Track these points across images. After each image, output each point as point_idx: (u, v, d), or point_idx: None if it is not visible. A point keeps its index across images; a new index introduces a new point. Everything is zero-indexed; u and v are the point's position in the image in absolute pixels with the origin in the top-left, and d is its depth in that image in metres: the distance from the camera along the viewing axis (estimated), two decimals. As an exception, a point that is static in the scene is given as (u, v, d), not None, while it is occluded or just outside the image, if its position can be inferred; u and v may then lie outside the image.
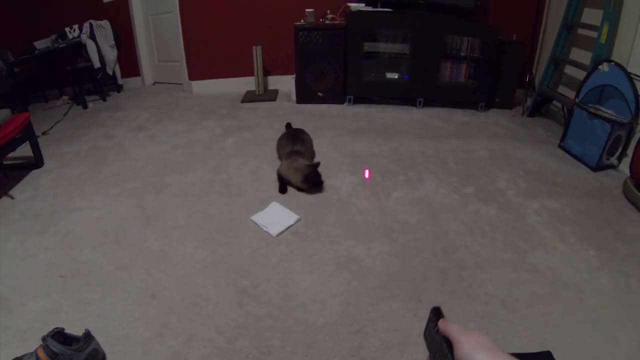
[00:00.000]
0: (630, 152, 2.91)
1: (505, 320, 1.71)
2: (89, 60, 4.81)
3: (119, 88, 5.39)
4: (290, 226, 2.34)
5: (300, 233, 2.30)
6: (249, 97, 4.73)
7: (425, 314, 1.72)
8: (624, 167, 2.97)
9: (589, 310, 1.76)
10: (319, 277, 1.97)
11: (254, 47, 4.52)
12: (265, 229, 2.32)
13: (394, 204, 2.56)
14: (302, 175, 2.67)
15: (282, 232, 2.29)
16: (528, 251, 2.13)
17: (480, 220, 2.40)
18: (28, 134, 3.11)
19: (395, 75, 4.38)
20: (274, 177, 2.87)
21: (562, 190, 2.72)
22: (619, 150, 2.97)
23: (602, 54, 3.14)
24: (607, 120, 2.88)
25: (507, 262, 2.05)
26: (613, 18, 3.05)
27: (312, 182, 2.69)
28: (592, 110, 3.02)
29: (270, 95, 4.75)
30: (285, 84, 4.78)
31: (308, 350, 1.59)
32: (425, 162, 3.09)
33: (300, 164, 2.74)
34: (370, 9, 4.14)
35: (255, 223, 2.38)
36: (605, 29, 3.09)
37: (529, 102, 4.15)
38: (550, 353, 1.52)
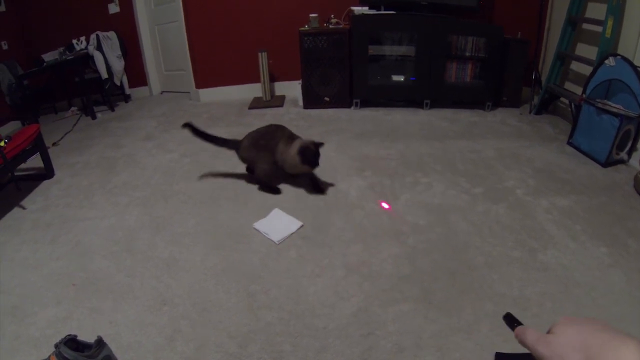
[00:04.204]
0: (640, 146, 2.89)
1: (517, 319, 1.69)
2: (96, 71, 4.88)
3: (126, 98, 5.45)
4: (293, 233, 2.33)
5: (310, 237, 2.30)
6: (256, 104, 4.75)
7: (436, 315, 1.72)
8: (635, 161, 2.94)
9: (601, 307, 1.74)
10: (329, 281, 1.97)
11: (260, 53, 4.54)
12: (267, 236, 2.32)
13: (403, 206, 2.56)
14: (297, 147, 2.53)
15: (284, 239, 2.28)
16: (538, 250, 2.11)
17: (489, 220, 2.38)
18: (38, 145, 3.16)
19: (401, 78, 4.37)
20: (283, 182, 2.87)
21: (572, 188, 2.70)
22: (629, 145, 2.94)
23: (608, 48, 3.12)
24: (616, 114, 2.85)
25: (517, 261, 2.03)
26: (617, 11, 3.03)
27: (308, 159, 2.52)
28: (599, 105, 3.00)
29: (277, 102, 4.77)
30: (292, 89, 4.81)
31: (319, 355, 1.58)
32: (433, 164, 3.08)
33: (301, 140, 2.60)
34: (373, 12, 4.15)
35: (258, 231, 2.39)
36: (610, 23, 3.06)
37: (536, 99, 4.12)
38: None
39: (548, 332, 0.49)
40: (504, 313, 0.61)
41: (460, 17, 4.17)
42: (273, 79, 4.95)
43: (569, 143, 3.34)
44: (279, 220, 2.45)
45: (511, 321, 0.57)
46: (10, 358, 1.63)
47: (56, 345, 1.43)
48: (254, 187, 2.86)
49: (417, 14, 4.05)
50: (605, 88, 3.06)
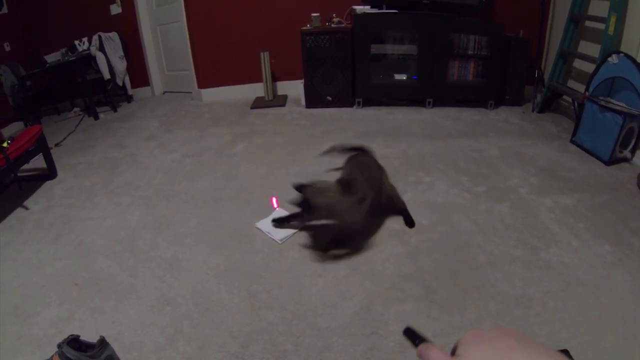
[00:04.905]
0: (643, 144, 2.87)
1: (520, 318, 1.69)
2: (98, 72, 4.88)
3: (129, 98, 5.45)
4: (296, 232, 2.33)
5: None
6: (258, 103, 4.75)
7: (438, 314, 1.71)
8: (638, 159, 2.92)
9: (605, 306, 1.73)
10: (331, 280, 1.97)
11: (262, 53, 4.54)
12: (270, 236, 2.31)
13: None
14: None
15: (287, 238, 2.28)
16: (541, 248, 2.10)
17: (492, 219, 2.37)
18: (41, 146, 3.17)
19: (404, 77, 4.36)
20: (285, 182, 2.87)
21: (575, 186, 2.68)
22: (632, 143, 2.92)
23: (611, 46, 3.10)
24: (619, 112, 2.84)
25: (520, 259, 2.03)
26: (620, 9, 3.02)
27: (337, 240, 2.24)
28: (602, 103, 2.98)
29: (280, 101, 4.76)
30: (294, 89, 4.80)
31: (322, 354, 1.58)
32: (436, 163, 3.07)
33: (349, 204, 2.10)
34: (375, 10, 4.14)
35: (260, 230, 2.38)
36: (612, 20, 3.05)
37: (539, 98, 4.11)
38: (568, 351, 1.50)
39: (454, 351, 0.44)
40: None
41: (462, 16, 4.15)
42: (275, 78, 4.94)
43: (572, 141, 3.33)
44: None
45: (413, 337, 0.51)
46: (12, 358, 1.63)
47: (59, 345, 1.43)
48: (255, 187, 2.86)
49: (419, 12, 4.04)
50: (608, 86, 3.05)
